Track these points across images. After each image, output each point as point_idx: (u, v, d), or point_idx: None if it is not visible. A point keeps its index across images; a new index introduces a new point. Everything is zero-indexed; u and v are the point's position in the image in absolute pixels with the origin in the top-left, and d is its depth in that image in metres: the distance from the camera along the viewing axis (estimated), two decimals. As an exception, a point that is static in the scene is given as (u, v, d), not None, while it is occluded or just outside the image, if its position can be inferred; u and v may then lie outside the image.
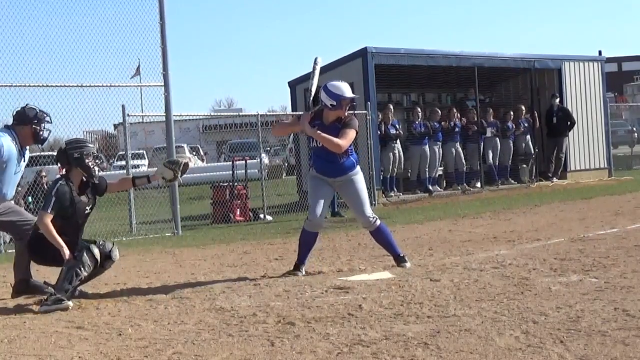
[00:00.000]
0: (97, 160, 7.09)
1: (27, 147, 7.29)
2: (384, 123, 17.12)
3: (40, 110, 7.21)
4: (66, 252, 6.61)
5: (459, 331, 5.07)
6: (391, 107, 17.72)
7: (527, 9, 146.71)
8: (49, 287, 6.81)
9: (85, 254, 6.70)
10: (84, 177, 6.95)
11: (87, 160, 6.87)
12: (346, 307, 5.99)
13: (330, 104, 7.53)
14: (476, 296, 6.20)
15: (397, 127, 17.39)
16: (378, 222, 7.83)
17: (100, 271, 7.04)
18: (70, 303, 6.58)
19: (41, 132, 7.16)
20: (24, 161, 7.28)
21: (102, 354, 5.03)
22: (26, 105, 7.27)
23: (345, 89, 7.56)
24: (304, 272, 7.75)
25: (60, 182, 6.83)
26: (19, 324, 6.11)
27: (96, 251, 6.79)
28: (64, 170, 6.99)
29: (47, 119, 7.21)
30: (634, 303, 5.63)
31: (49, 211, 6.65)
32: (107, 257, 6.94)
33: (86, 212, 6.99)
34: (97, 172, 7.02)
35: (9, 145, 7.00)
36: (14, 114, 7.19)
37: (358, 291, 6.66)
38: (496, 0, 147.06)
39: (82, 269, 6.70)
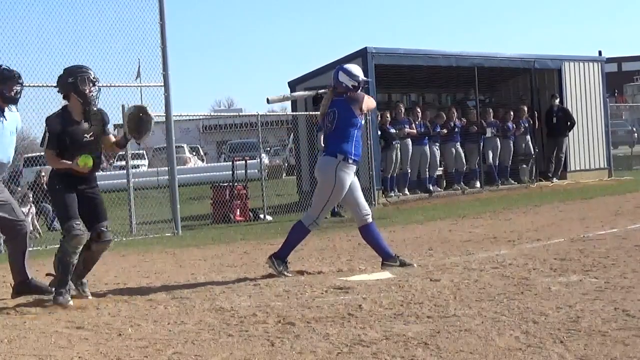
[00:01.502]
0: (94, 86, 6.85)
1: (8, 109, 6.91)
2: (384, 122, 17.08)
3: (6, 68, 6.92)
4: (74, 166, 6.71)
5: (459, 331, 5.06)
6: (402, 106, 17.69)
7: (527, 9, 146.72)
8: (51, 289, 6.81)
9: (66, 242, 6.71)
10: (83, 104, 6.83)
11: (81, 86, 6.79)
12: (346, 307, 5.99)
13: (352, 85, 8.02)
14: (476, 296, 6.20)
15: (409, 126, 17.27)
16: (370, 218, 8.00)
17: (96, 256, 7.00)
18: (71, 303, 6.60)
19: (7, 93, 6.82)
20: (6, 120, 6.88)
21: (102, 354, 5.03)
22: None
23: (360, 73, 8.23)
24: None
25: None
26: (19, 324, 6.11)
27: (77, 229, 6.70)
28: (63, 96, 6.91)
29: (16, 77, 6.86)
30: (634, 303, 5.62)
31: (46, 147, 6.82)
32: (97, 240, 6.89)
33: (85, 139, 6.85)
34: (94, 99, 6.86)
35: None
36: None
37: (358, 291, 6.66)
38: (496, 0, 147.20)
39: (71, 256, 6.73)
